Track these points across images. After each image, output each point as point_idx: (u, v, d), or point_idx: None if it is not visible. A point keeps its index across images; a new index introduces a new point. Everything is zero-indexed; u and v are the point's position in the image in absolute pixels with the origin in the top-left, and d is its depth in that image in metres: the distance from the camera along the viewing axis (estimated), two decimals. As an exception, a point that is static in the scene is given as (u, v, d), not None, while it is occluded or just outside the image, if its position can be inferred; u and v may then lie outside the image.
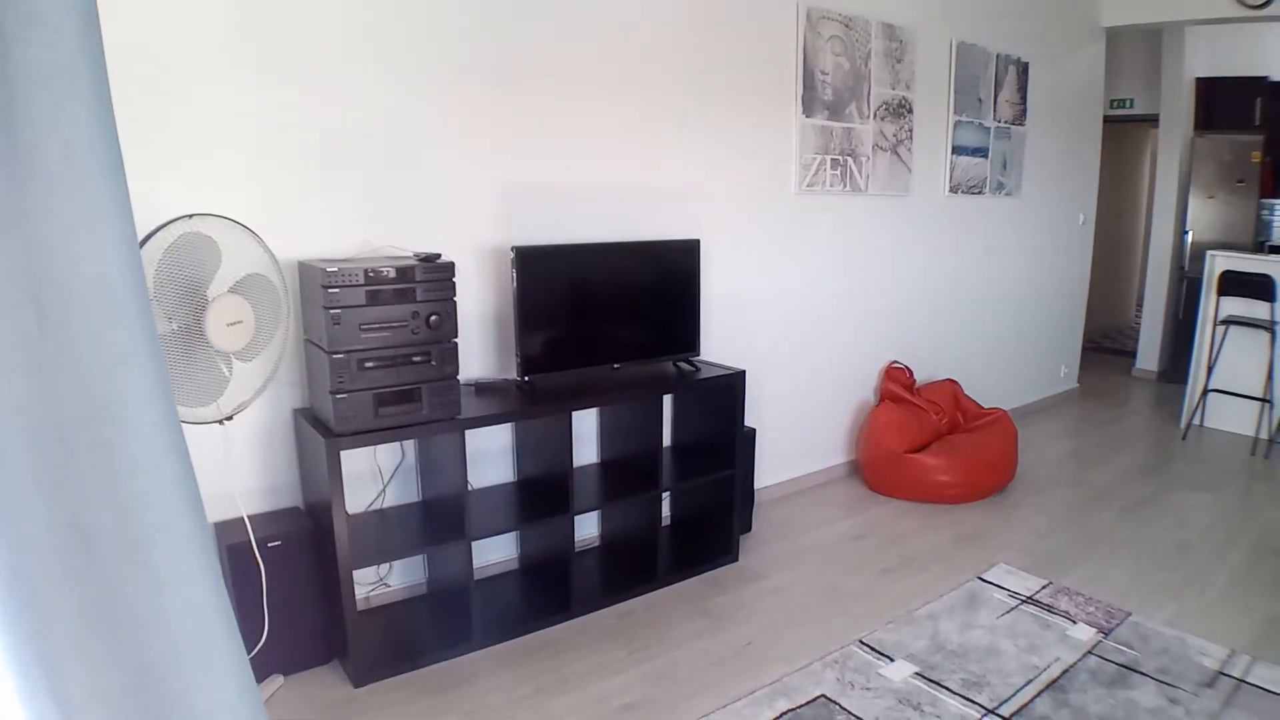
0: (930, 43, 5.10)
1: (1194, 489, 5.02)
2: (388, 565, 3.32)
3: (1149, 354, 8.04)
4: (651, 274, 3.60)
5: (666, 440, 3.98)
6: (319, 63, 2.91)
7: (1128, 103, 8.38)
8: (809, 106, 4.42)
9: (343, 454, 2.70)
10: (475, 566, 3.26)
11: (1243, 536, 4.28)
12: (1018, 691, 2.89)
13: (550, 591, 3.39)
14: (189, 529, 1.54)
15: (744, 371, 3.71)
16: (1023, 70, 5.87)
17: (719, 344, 4.17)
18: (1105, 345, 9.32)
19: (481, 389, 3.26)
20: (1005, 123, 5.81)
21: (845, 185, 4.71)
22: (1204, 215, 7.59)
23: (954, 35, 5.26)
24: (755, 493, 4.32)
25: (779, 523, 4.36)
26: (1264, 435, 5.89)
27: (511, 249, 3.15)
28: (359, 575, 3.03)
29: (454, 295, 2.84)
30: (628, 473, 3.66)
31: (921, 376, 5.42)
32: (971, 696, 2.86)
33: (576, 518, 3.36)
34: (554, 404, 3.17)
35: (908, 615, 3.41)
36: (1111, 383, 7.86)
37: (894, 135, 4.94)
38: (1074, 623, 3.36)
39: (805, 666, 3.02)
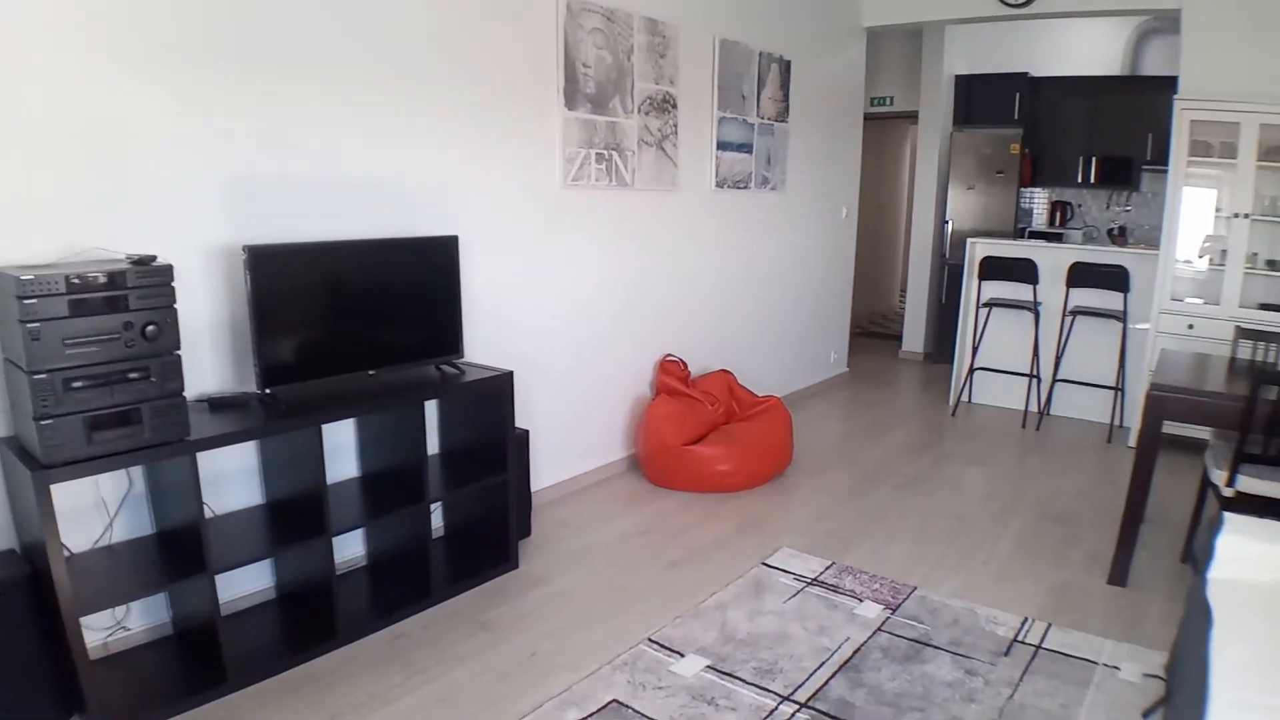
0: (693, 39, 5.15)
1: (967, 463, 5.30)
2: (125, 607, 2.96)
3: (914, 337, 8.53)
4: (407, 273, 3.39)
5: (433, 448, 3.79)
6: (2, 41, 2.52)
7: (888, 100, 8.79)
8: (571, 99, 4.33)
9: (54, 487, 2.36)
10: (225, 600, 3.01)
11: (1020, 506, 4.53)
12: (811, 675, 2.91)
13: (313, 620, 3.13)
14: None
15: (512, 372, 3.58)
16: (785, 68, 6.03)
17: (485, 344, 4.00)
18: (873, 330, 9.83)
19: (216, 404, 2.94)
20: (769, 119, 5.95)
21: (612, 180, 4.67)
22: (964, 205, 8.11)
23: (717, 33, 5.34)
24: (533, 495, 4.20)
25: (559, 524, 4.25)
26: (1034, 408, 6.31)
27: (244, 248, 2.86)
28: (91, 620, 2.72)
29: (174, 302, 2.54)
30: (392, 485, 3.44)
31: (695, 368, 5.46)
32: (766, 685, 2.85)
33: (336, 538, 3.12)
34: (301, 417, 2.91)
35: (695, 608, 3.39)
36: (880, 365, 8.28)
37: (659, 130, 4.94)
38: (860, 601, 3.43)
39: (594, 672, 2.93)
